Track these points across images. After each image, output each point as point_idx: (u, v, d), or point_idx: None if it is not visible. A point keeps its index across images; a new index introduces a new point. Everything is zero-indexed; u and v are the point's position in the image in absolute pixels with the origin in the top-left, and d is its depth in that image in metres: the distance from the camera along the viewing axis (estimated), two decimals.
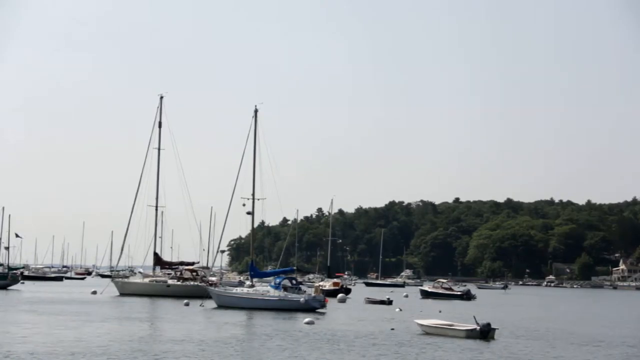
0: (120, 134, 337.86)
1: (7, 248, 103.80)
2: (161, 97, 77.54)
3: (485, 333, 34.44)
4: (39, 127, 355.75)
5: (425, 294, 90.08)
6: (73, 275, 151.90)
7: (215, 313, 49.12)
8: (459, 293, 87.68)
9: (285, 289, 53.67)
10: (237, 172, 61.70)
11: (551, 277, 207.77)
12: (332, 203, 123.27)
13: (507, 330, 39.22)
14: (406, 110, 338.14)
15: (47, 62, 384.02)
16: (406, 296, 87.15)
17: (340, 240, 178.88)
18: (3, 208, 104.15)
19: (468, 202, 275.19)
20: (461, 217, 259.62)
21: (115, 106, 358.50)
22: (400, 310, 57.82)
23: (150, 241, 77.81)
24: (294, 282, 55.93)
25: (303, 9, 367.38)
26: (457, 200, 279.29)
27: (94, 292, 74.03)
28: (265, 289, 55.19)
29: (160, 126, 77.09)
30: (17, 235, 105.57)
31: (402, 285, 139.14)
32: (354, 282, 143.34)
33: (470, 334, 34.37)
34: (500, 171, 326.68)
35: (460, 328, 35.49)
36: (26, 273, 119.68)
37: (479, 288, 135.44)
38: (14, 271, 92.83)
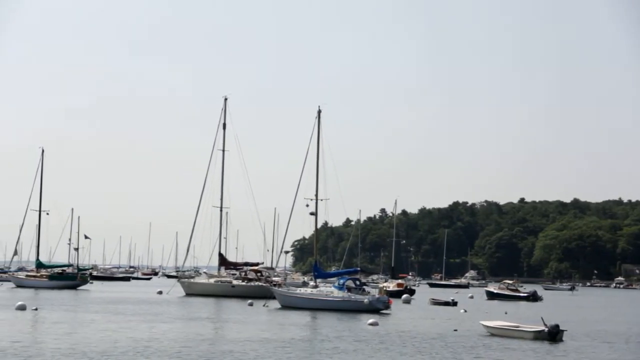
0: (186, 136, 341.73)
1: (77, 249, 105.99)
2: (225, 99, 78.33)
3: (553, 335, 33.80)
4: (108, 129, 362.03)
5: (491, 295, 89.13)
6: (139, 276, 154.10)
7: (279, 313, 49.31)
8: (525, 294, 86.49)
9: (349, 289, 53.58)
10: (300, 173, 61.92)
11: (620, 278, 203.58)
12: (395, 204, 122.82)
13: (575, 332, 38.51)
14: (470, 110, 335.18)
15: (119, 65, 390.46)
16: (471, 297, 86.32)
17: (404, 241, 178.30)
18: (72, 209, 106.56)
19: (534, 202, 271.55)
20: (527, 217, 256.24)
21: (180, 108, 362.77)
22: (465, 311, 57.28)
23: (215, 242, 78.64)
24: (357, 282, 55.81)
25: (366, 9, 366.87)
26: (522, 200, 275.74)
27: (160, 292, 74.98)
28: (329, 290, 55.20)
29: (224, 128, 77.81)
30: (86, 237, 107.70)
31: (467, 286, 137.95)
32: (418, 283, 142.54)
33: (538, 336, 33.82)
34: (566, 171, 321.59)
35: (528, 329, 34.95)
36: (95, 273, 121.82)
37: (546, 289, 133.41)
38: (83, 271, 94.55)
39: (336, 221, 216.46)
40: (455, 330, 38.67)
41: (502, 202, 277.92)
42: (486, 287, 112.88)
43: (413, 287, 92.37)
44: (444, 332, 37.33)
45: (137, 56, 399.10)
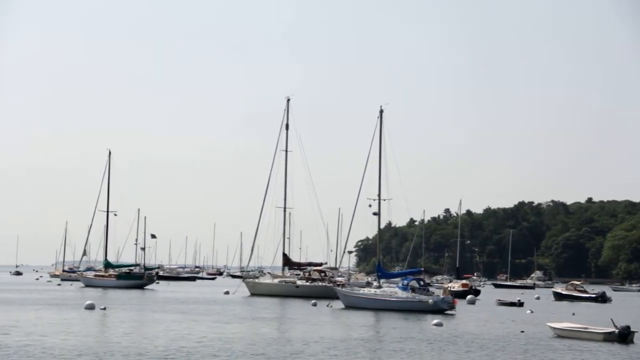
0: (249, 137, 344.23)
1: (143, 249, 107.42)
2: (288, 100, 78.60)
3: (624, 336, 33.05)
4: (174, 130, 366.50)
5: (558, 296, 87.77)
6: (204, 276, 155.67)
7: (342, 314, 49.30)
8: (593, 295, 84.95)
9: (413, 290, 53.33)
10: (362, 173, 61.82)
11: None
12: (460, 204, 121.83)
13: None
14: (535, 107, 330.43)
15: (181, 64, 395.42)
16: (538, 298, 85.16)
17: (469, 241, 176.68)
18: (139, 210, 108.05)
19: (601, 202, 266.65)
20: (594, 217, 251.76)
21: (243, 109, 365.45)
22: (532, 312, 56.51)
23: (278, 242, 79.02)
24: (421, 283, 55.51)
25: (426, 8, 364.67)
26: (589, 200, 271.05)
27: (227, 292, 75.64)
28: (392, 290, 55.02)
29: (287, 128, 78.08)
30: (152, 236, 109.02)
31: (532, 287, 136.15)
32: (482, 283, 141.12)
33: (608, 337, 33.14)
34: (635, 169, 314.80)
35: (597, 331, 34.26)
36: (161, 273, 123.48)
37: (615, 290, 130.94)
38: (150, 271, 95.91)
39: (400, 221, 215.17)
40: (522, 331, 38.17)
41: (569, 201, 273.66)
42: (553, 288, 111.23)
43: (478, 288, 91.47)
44: (510, 334, 36.87)
45: (201, 54, 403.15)
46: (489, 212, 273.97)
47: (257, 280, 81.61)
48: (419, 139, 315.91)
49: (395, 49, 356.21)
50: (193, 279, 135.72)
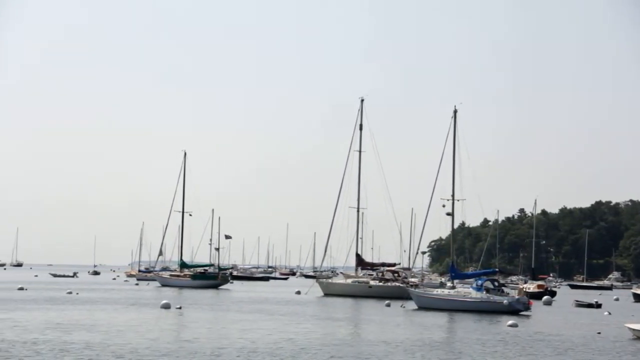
0: (323, 137, 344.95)
1: (218, 249, 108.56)
2: (362, 100, 78.72)
3: None
4: (248, 130, 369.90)
5: (637, 298, 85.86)
6: (277, 276, 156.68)
7: (416, 314, 49.17)
8: None
9: (488, 290, 52.90)
10: (436, 173, 61.56)
11: None
12: (535, 203, 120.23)
13: None
14: (611, 106, 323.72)
15: (252, 64, 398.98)
16: (616, 299, 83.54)
17: (544, 242, 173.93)
18: (213, 210, 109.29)
19: None
20: None
21: (317, 109, 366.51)
22: (609, 313, 55.45)
23: (351, 242, 79.12)
24: (496, 283, 55.03)
25: (499, 8, 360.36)
26: None
27: (298, 292, 76.08)
28: (466, 291, 54.66)
29: (361, 129, 78.22)
30: (226, 237, 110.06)
31: (610, 288, 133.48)
32: (558, 284, 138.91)
33: None
34: None
35: None
36: (235, 273, 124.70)
37: None
38: (224, 271, 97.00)
39: (473, 221, 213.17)
40: (599, 333, 37.53)
41: None
42: (631, 289, 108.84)
43: (554, 289, 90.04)
44: (587, 335, 36.28)
45: (274, 54, 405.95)
46: (565, 211, 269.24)
47: (330, 280, 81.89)
48: (494, 139, 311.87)
49: (471, 48, 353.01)
50: (266, 279, 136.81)
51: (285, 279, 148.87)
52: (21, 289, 70.22)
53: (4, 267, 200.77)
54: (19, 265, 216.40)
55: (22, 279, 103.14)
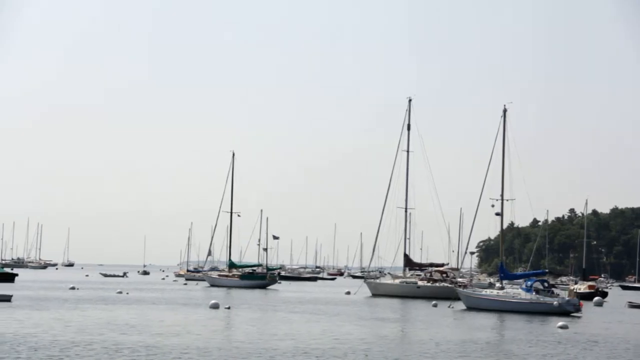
0: (370, 137, 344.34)
1: (266, 249, 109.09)
2: (410, 100, 78.50)
3: None
4: (295, 131, 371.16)
5: None
6: (325, 276, 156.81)
7: (464, 315, 48.92)
8: None
9: (537, 291, 52.40)
10: (485, 173, 61.17)
11: None
12: (586, 203, 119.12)
13: None
14: None
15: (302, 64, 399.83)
16: None
17: (595, 242, 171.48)
18: (261, 211, 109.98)
19: None
20: None
21: (364, 109, 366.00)
22: None
23: (399, 242, 78.96)
24: (546, 284, 54.50)
25: (546, 8, 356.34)
26: None
27: (348, 293, 76.13)
28: (515, 292, 54.21)
29: (409, 129, 78.08)
30: (274, 237, 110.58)
31: None
32: (610, 285, 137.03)
33: None
34: None
35: None
36: (283, 273, 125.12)
37: None
38: (272, 271, 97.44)
39: (523, 222, 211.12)
40: None
41: None
42: None
43: (605, 290, 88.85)
44: (638, 336, 35.75)
45: (320, 55, 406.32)
46: (616, 211, 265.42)
47: (378, 280, 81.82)
48: (544, 138, 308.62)
49: (519, 45, 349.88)
50: (314, 279, 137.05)
51: (333, 279, 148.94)
52: (73, 288, 71.33)
53: (56, 267, 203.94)
54: (71, 265, 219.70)
55: (74, 278, 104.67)
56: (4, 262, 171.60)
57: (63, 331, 30.94)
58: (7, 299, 48.40)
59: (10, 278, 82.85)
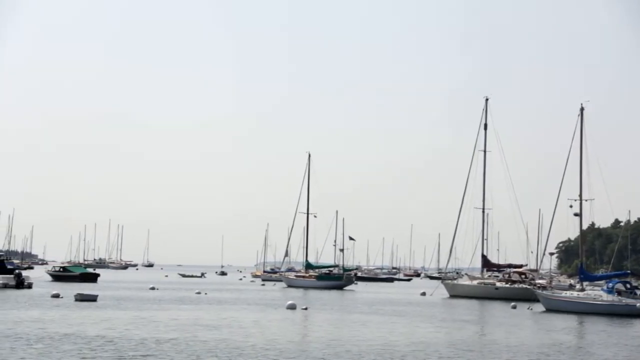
0: (447, 137, 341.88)
1: (342, 250, 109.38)
2: (486, 100, 77.91)
3: None
4: (370, 131, 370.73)
5: None
6: (402, 277, 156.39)
7: (543, 317, 48.31)
8: None
9: (619, 293, 51.44)
10: (563, 173, 60.34)
11: None
12: None
13: None
14: None
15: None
16: None
17: None
18: (337, 211, 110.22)
19: None
20: None
21: (441, 108, 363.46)
22: None
23: (476, 243, 78.35)
24: (628, 286, 53.45)
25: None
26: None
27: (424, 294, 75.88)
28: (596, 293, 53.31)
29: (485, 128, 77.42)
30: (350, 238, 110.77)
31: None
32: None
33: None
34: None
35: None
36: (359, 274, 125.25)
37: None
38: (349, 272, 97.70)
39: (604, 222, 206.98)
40: None
41: None
42: None
43: None
44: None
45: (396, 54, 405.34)
46: None
47: (456, 281, 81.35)
48: (625, 137, 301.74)
49: (595, 43, 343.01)
50: (391, 280, 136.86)
51: (409, 280, 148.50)
52: (153, 288, 72.75)
53: (136, 267, 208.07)
54: (150, 265, 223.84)
55: (154, 279, 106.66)
56: (86, 262, 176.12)
57: (146, 330, 31.66)
58: (93, 298, 50.60)
59: (93, 278, 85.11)
